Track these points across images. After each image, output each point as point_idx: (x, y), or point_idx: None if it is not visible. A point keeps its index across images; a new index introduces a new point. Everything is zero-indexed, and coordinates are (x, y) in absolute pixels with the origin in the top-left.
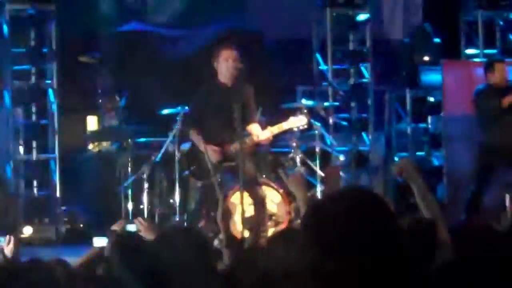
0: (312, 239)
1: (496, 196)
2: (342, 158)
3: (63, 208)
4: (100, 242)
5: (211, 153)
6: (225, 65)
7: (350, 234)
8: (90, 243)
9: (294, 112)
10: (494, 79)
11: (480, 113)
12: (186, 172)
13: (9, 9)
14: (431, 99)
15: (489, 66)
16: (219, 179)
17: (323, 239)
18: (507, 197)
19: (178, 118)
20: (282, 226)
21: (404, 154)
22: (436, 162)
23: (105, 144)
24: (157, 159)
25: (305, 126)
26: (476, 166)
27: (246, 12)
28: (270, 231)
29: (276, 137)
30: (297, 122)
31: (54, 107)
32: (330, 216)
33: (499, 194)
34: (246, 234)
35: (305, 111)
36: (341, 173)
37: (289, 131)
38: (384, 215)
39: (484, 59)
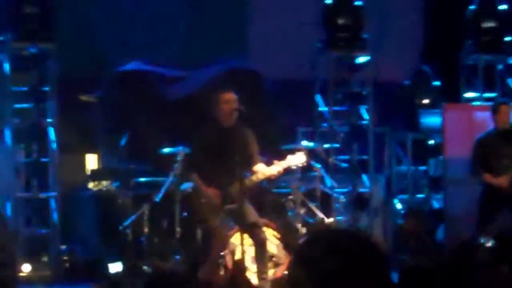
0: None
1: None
2: (342, 199)
3: (63, 246)
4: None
5: (212, 197)
6: (225, 107)
7: (333, 277)
8: (89, 281)
9: (293, 152)
10: (498, 122)
11: (480, 159)
12: (186, 214)
13: (11, 48)
14: (431, 141)
15: (494, 109)
16: (220, 221)
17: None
18: None
19: (178, 158)
20: (282, 268)
21: (404, 196)
22: (436, 205)
23: (105, 183)
24: (158, 199)
25: (304, 164)
26: (478, 210)
27: (247, 53)
28: (270, 272)
29: (276, 177)
30: (296, 160)
31: (55, 145)
32: (313, 260)
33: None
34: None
35: (305, 152)
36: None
37: (288, 170)
38: (370, 257)
39: (483, 103)
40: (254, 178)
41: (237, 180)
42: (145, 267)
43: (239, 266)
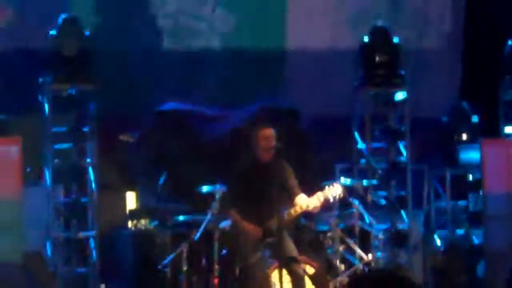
0: None
1: None
2: (381, 236)
3: (102, 285)
4: None
5: (251, 232)
6: (264, 144)
7: None
8: None
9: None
10: None
11: None
12: (225, 252)
13: (51, 89)
14: (470, 177)
15: None
16: (260, 257)
17: None
18: None
19: (216, 196)
20: None
21: (443, 231)
22: (476, 240)
23: (144, 222)
24: (196, 238)
25: (341, 195)
26: None
27: (284, 90)
28: None
29: (315, 209)
30: (333, 191)
31: (94, 185)
32: None
33: None
34: None
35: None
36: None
37: (326, 204)
38: None
39: None
40: (292, 211)
41: (276, 214)
42: None
43: None
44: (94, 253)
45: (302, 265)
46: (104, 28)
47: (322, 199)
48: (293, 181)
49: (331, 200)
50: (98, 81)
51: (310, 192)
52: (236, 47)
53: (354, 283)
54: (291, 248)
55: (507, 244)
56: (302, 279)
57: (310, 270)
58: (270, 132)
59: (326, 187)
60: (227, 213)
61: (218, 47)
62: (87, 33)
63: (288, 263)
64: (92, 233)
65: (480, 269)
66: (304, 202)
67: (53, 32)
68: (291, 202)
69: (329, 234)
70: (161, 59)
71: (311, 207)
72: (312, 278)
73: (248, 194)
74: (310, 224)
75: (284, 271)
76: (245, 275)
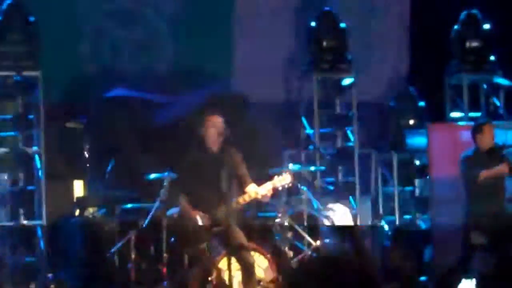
0: None
1: None
2: (329, 222)
3: (50, 274)
4: None
5: (199, 219)
6: (212, 131)
7: None
8: None
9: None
10: (483, 141)
11: (466, 181)
12: (173, 239)
13: None
14: (417, 162)
15: (478, 128)
16: (207, 245)
17: None
18: None
19: (165, 183)
20: None
21: (391, 217)
22: (423, 225)
23: (91, 210)
24: (144, 225)
25: (290, 185)
26: (464, 231)
27: (232, 77)
28: None
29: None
30: (282, 180)
31: (41, 173)
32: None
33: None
34: None
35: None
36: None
37: (275, 192)
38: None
39: (469, 122)
40: (241, 200)
41: (224, 202)
42: None
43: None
44: (41, 242)
45: (251, 253)
46: (50, 13)
47: (271, 188)
48: (243, 170)
49: (280, 189)
50: (44, 68)
51: (258, 179)
52: (184, 34)
53: (301, 269)
54: (240, 236)
55: (453, 229)
56: (252, 267)
57: (260, 258)
58: (218, 118)
59: (276, 176)
60: (176, 201)
61: (165, 33)
62: (32, 18)
63: (237, 251)
64: (39, 221)
65: (428, 253)
66: (253, 190)
67: None
68: (240, 191)
69: (277, 220)
70: (108, 45)
71: (260, 196)
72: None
73: (197, 182)
74: (257, 211)
75: (233, 259)
76: (194, 263)
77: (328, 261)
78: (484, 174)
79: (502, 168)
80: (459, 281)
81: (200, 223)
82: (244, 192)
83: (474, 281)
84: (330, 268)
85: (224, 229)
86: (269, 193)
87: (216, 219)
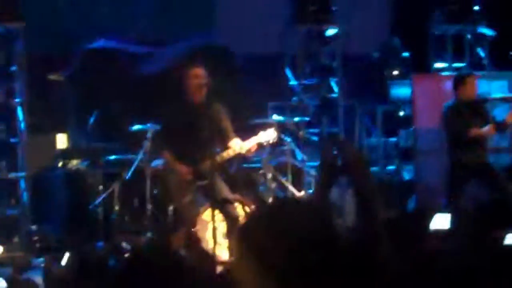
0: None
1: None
2: (313, 173)
3: (33, 226)
4: None
5: (183, 173)
6: (194, 82)
7: (289, 251)
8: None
9: (264, 127)
10: (465, 93)
11: (449, 132)
12: (157, 191)
13: None
14: (401, 113)
15: (460, 80)
16: (191, 198)
17: (260, 258)
18: None
19: (148, 135)
20: None
21: (375, 168)
22: (406, 176)
23: (75, 162)
24: (128, 177)
25: (275, 140)
26: (447, 182)
27: (215, 28)
28: None
29: (248, 154)
30: (267, 136)
31: (23, 125)
32: (264, 234)
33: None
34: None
35: (275, 127)
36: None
37: (260, 147)
38: (321, 227)
39: (453, 73)
40: (225, 154)
41: (208, 156)
42: (123, 244)
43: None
44: (24, 195)
45: (236, 205)
46: None
47: (255, 143)
48: (227, 124)
49: (265, 145)
50: (26, 20)
51: (242, 131)
52: None
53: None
54: (224, 190)
55: (437, 179)
56: (236, 219)
57: (243, 208)
58: (200, 70)
59: (261, 132)
60: (160, 153)
61: None
62: None
63: (221, 205)
64: (22, 174)
65: (411, 203)
66: (238, 145)
67: None
68: (224, 145)
69: (261, 171)
70: None
71: (244, 151)
72: None
73: (180, 135)
74: (241, 162)
75: (217, 211)
76: (177, 215)
77: (280, 205)
78: (473, 132)
79: (490, 130)
80: (432, 216)
81: (183, 176)
82: (227, 147)
83: (449, 215)
84: (279, 213)
85: (208, 182)
86: (253, 148)
87: (200, 172)
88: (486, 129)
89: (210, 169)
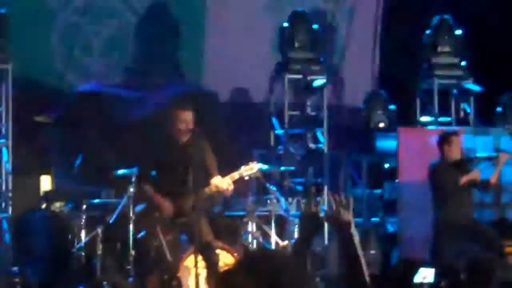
0: None
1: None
2: (297, 222)
3: (15, 268)
4: None
5: (165, 207)
6: (182, 126)
7: None
8: None
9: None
10: (450, 152)
11: (435, 189)
12: (141, 234)
13: None
14: (386, 165)
15: (445, 139)
16: (174, 238)
17: None
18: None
19: (132, 180)
20: None
21: (358, 219)
22: (390, 228)
23: (58, 204)
24: (111, 221)
25: (257, 174)
26: (432, 237)
27: (203, 75)
28: None
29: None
30: (248, 169)
31: (8, 166)
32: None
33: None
34: None
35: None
36: None
37: (241, 179)
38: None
39: (439, 127)
40: (207, 190)
41: (190, 193)
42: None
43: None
44: (7, 236)
45: (218, 252)
46: (20, 6)
47: (237, 177)
48: (211, 160)
49: (246, 178)
50: (14, 61)
51: (226, 172)
52: (156, 30)
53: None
54: (206, 232)
55: (421, 233)
56: (216, 265)
57: (227, 257)
58: (189, 114)
59: (242, 166)
60: (141, 190)
61: (136, 27)
62: (2, 10)
63: (203, 250)
64: (5, 215)
65: (395, 256)
66: (219, 181)
67: None
68: (207, 182)
69: (245, 219)
70: (79, 40)
71: (225, 185)
72: None
73: (164, 173)
74: (224, 210)
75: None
76: (160, 258)
77: (261, 256)
78: (463, 180)
79: (475, 174)
80: (416, 271)
81: (166, 212)
82: (209, 184)
83: (433, 270)
84: (261, 263)
85: (190, 221)
86: (232, 183)
87: (181, 209)
88: (473, 173)
89: (192, 207)
